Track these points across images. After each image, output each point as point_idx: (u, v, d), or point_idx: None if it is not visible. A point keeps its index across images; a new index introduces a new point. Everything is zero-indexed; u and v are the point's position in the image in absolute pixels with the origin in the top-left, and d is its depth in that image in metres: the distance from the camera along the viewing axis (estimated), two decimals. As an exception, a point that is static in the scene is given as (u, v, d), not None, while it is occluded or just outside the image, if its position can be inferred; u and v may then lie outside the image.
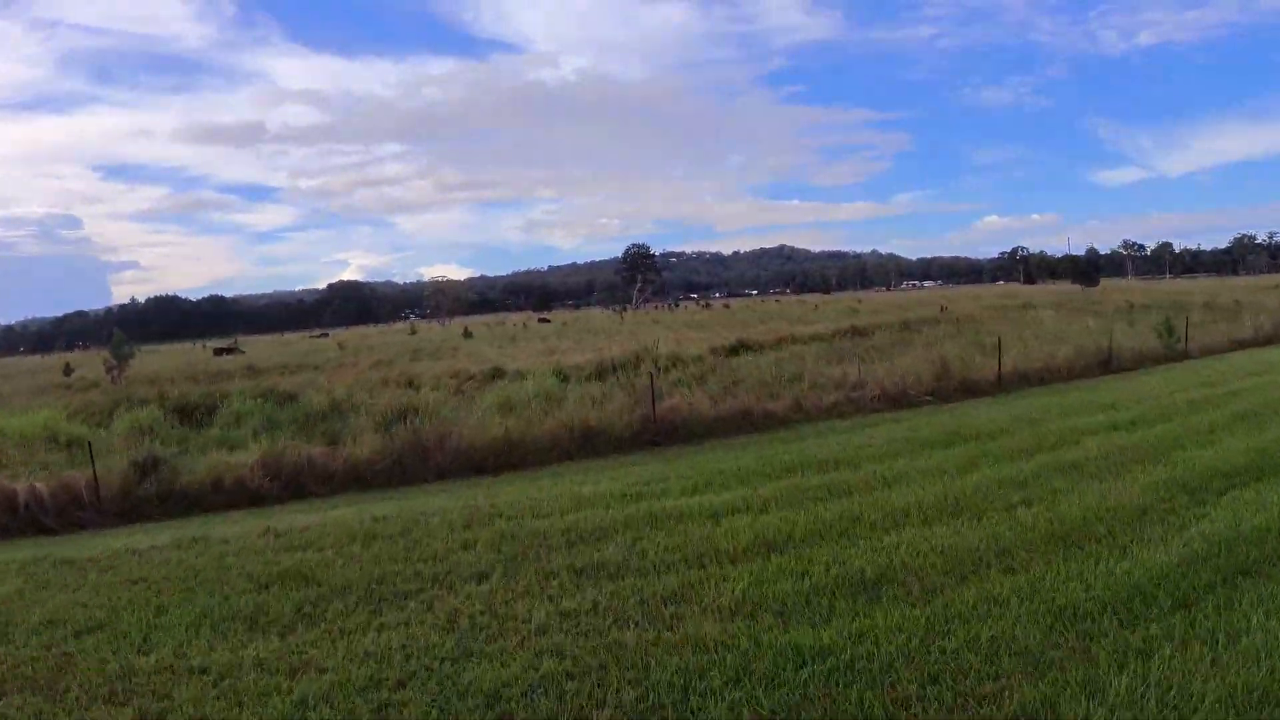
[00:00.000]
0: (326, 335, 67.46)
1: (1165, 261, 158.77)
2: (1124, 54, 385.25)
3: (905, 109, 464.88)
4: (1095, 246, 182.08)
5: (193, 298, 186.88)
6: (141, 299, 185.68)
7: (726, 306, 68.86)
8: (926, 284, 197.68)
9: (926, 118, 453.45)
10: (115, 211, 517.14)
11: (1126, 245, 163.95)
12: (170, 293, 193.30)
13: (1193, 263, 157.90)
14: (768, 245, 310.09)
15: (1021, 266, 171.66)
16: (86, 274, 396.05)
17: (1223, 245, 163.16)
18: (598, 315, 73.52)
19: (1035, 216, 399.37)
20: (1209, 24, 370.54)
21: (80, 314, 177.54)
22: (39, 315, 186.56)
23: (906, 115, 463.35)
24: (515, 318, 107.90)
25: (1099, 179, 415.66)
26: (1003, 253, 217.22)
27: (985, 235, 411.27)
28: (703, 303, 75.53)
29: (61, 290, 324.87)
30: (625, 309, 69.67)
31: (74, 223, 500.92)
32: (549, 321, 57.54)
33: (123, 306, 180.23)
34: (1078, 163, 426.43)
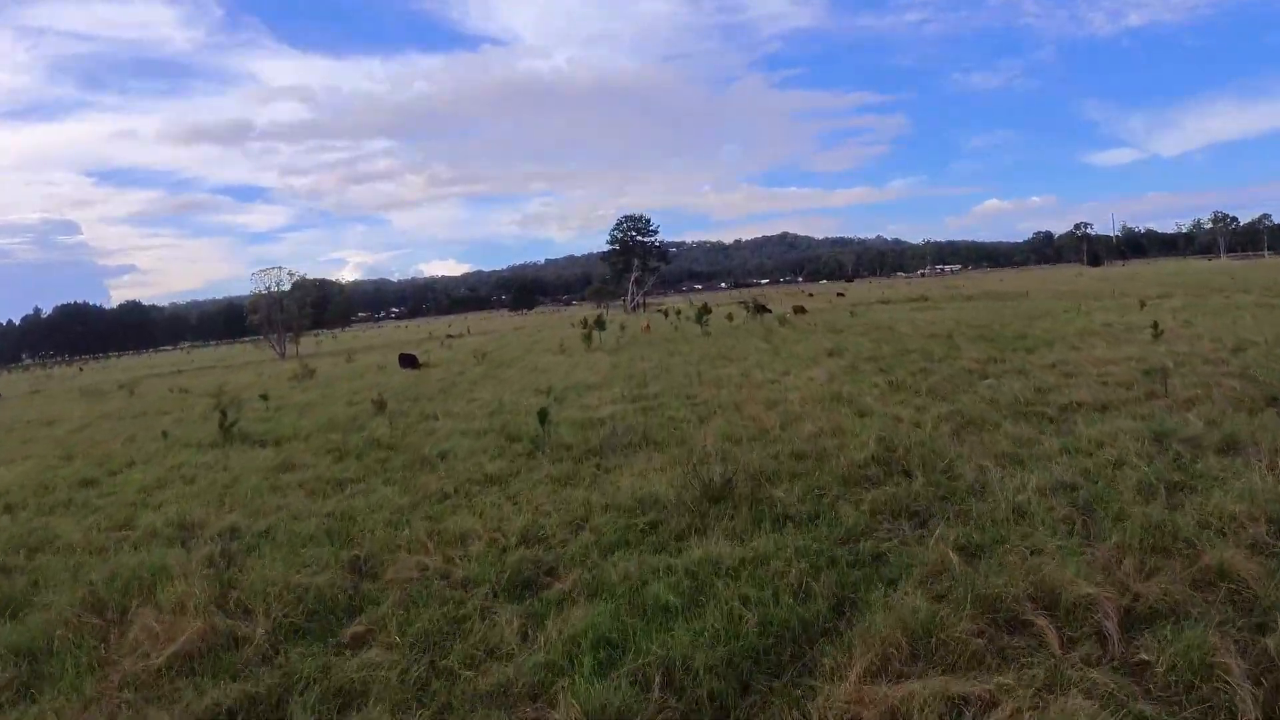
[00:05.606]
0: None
1: (1262, 237, 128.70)
2: (1113, 36, 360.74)
3: (897, 94, 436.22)
4: (1133, 226, 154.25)
5: (183, 301, 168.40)
6: (46, 310, 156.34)
7: (800, 311, 34.30)
8: (949, 269, 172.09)
9: (918, 103, 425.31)
10: (110, 215, 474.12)
11: (1217, 218, 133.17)
12: (84, 301, 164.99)
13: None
14: (769, 233, 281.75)
15: (1084, 245, 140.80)
16: (85, 278, 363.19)
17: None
18: (552, 332, 38.57)
19: (1035, 199, 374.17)
20: (1196, 4, 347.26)
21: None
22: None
23: (899, 99, 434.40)
24: (375, 329, 75.70)
25: (1094, 160, 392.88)
26: (1038, 233, 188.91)
27: (983, 219, 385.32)
28: (747, 304, 39.12)
29: (60, 295, 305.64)
30: (609, 313, 34.05)
31: (71, 228, 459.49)
32: (417, 366, 22.93)
33: (26, 318, 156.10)
34: (1071, 145, 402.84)
